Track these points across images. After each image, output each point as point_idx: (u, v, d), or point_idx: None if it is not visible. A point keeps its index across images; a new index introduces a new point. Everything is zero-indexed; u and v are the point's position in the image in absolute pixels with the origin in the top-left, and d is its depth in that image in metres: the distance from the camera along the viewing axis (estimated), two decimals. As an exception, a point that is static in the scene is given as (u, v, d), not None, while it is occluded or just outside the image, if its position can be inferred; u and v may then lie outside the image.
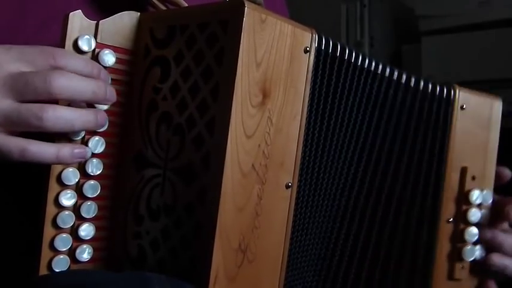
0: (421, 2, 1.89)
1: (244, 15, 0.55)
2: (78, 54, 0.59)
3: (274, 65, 0.58)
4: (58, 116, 0.53)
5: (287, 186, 0.61)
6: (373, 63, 0.67)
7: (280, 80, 0.59)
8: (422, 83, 0.71)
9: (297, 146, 0.61)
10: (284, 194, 0.61)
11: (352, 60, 0.65)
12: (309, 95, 0.62)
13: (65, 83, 0.54)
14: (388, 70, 0.68)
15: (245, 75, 0.56)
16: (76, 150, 0.57)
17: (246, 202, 0.58)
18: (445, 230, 0.74)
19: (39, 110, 0.53)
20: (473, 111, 0.74)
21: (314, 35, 0.62)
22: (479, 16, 1.77)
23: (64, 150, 0.56)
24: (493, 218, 0.77)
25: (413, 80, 0.70)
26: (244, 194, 0.57)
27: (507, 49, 1.70)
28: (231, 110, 0.55)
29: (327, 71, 0.63)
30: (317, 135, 0.64)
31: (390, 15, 2.05)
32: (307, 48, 0.61)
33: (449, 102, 0.73)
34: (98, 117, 0.57)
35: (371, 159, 0.69)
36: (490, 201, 0.76)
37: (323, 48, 0.62)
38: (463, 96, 0.73)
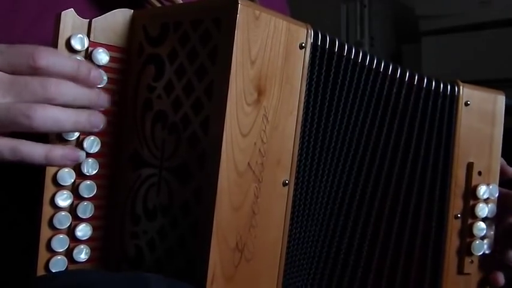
0: (421, 2, 1.90)
1: (238, 12, 0.55)
2: (62, 54, 0.57)
3: (269, 62, 0.58)
4: (47, 116, 0.52)
5: (284, 184, 0.60)
6: (369, 59, 0.66)
7: (275, 77, 0.58)
8: (425, 81, 0.71)
9: (294, 143, 0.61)
10: (281, 192, 0.60)
11: (350, 56, 0.65)
12: (305, 91, 0.61)
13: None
14: (383, 66, 0.68)
15: (239, 73, 0.55)
16: (67, 152, 0.55)
17: (242, 201, 0.57)
18: (454, 225, 0.74)
19: (27, 108, 0.52)
20: (478, 107, 0.75)
21: (309, 31, 0.61)
22: (479, 16, 1.77)
23: (54, 151, 0.54)
24: (501, 211, 0.77)
25: (416, 77, 0.70)
26: (240, 193, 0.57)
27: (507, 49, 1.70)
28: (225, 109, 0.55)
29: (323, 67, 0.63)
30: (314, 132, 0.63)
31: (390, 15, 2.05)
32: (303, 44, 0.60)
33: (453, 98, 0.73)
34: (91, 118, 0.56)
35: (370, 156, 0.69)
36: (497, 195, 0.77)
37: (319, 43, 0.62)
38: (467, 92, 0.74)
